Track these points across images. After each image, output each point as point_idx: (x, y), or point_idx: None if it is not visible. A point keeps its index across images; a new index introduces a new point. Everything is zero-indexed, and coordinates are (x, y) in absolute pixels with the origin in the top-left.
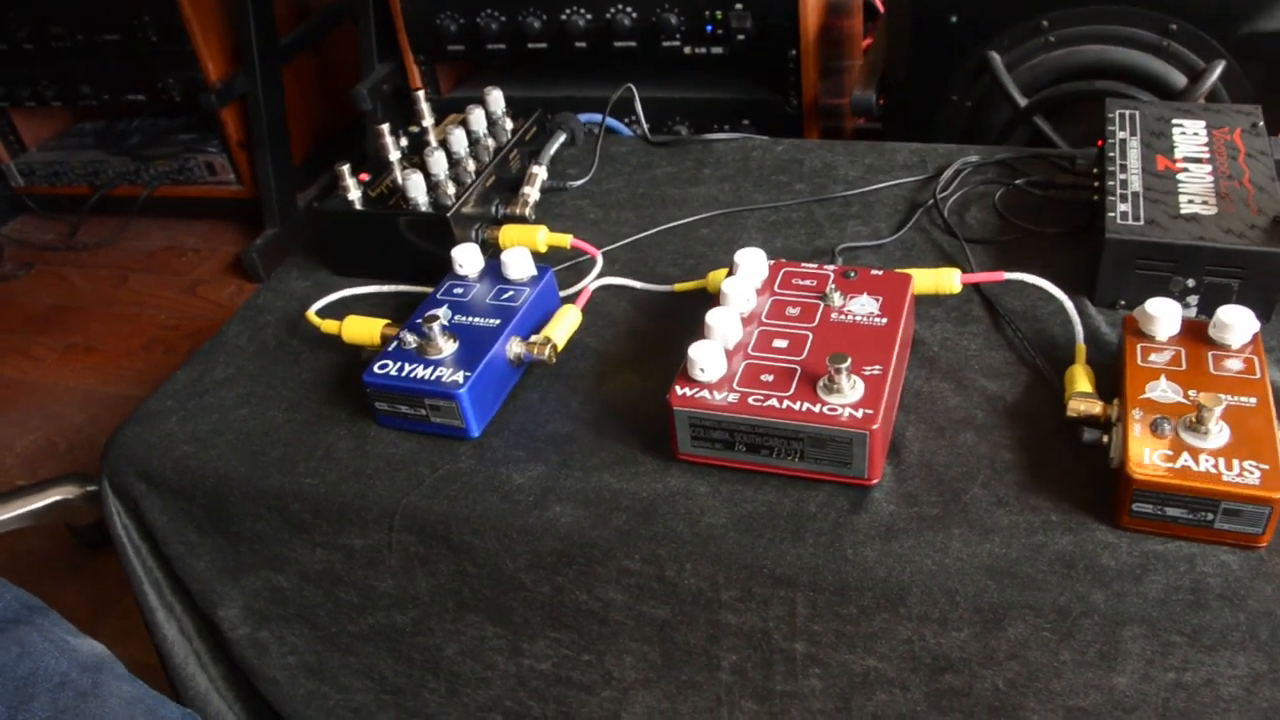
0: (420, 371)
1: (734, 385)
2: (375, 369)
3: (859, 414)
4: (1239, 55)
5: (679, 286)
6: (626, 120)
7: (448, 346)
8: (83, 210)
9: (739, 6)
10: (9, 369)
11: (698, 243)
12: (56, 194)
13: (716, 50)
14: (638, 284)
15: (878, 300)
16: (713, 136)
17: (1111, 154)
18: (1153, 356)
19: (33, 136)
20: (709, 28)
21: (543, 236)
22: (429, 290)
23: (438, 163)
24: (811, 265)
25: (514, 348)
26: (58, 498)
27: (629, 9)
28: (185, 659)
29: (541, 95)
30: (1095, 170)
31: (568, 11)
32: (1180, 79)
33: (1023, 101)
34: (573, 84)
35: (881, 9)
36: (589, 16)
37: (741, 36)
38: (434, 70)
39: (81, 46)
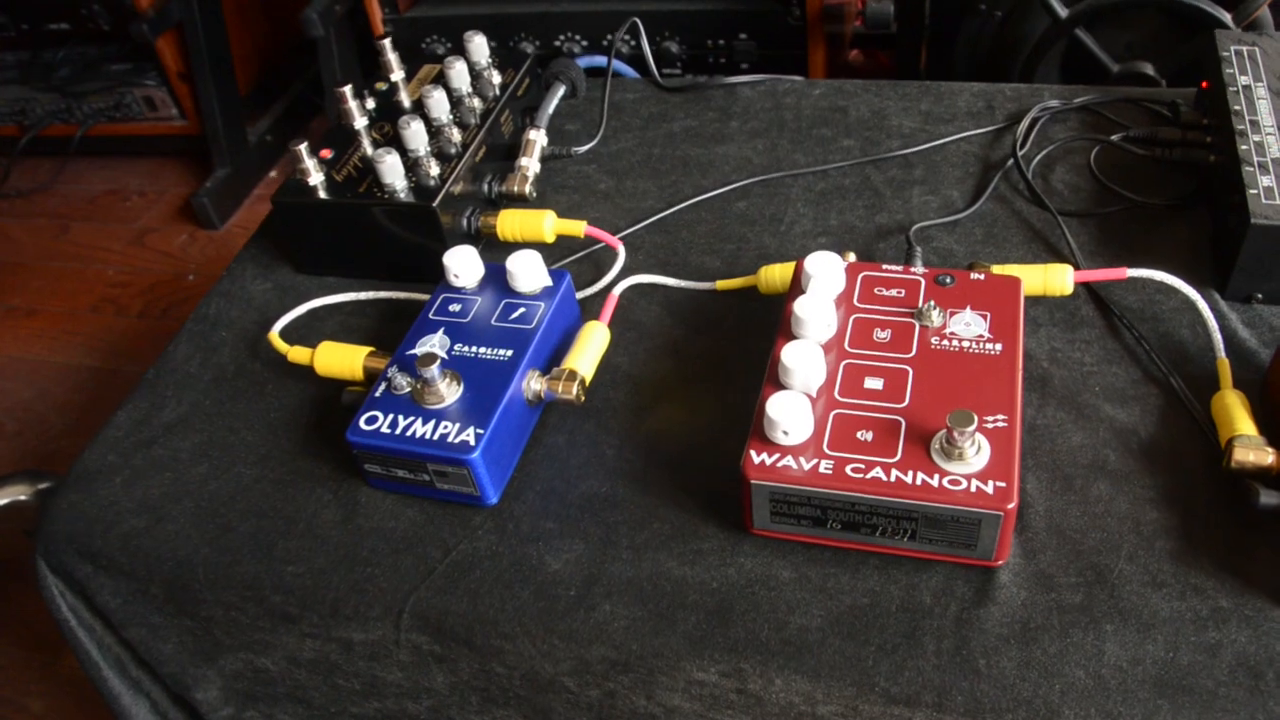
0: (419, 428)
1: (825, 448)
2: (361, 424)
3: (988, 488)
4: None
5: (722, 284)
6: (608, 38)
7: (450, 392)
8: (12, 153)
9: None
10: None
11: (735, 220)
12: None
13: None
14: (671, 281)
15: (984, 317)
16: (736, 80)
17: (1237, 107)
18: None
19: None
20: None
21: (550, 224)
22: (416, 297)
23: (416, 136)
24: (896, 268)
25: (533, 385)
26: (7, 500)
27: None
28: None
29: (517, 11)
30: (1206, 122)
31: None
32: None
33: (1063, 11)
34: None
35: None
36: None
37: None
38: None
39: None
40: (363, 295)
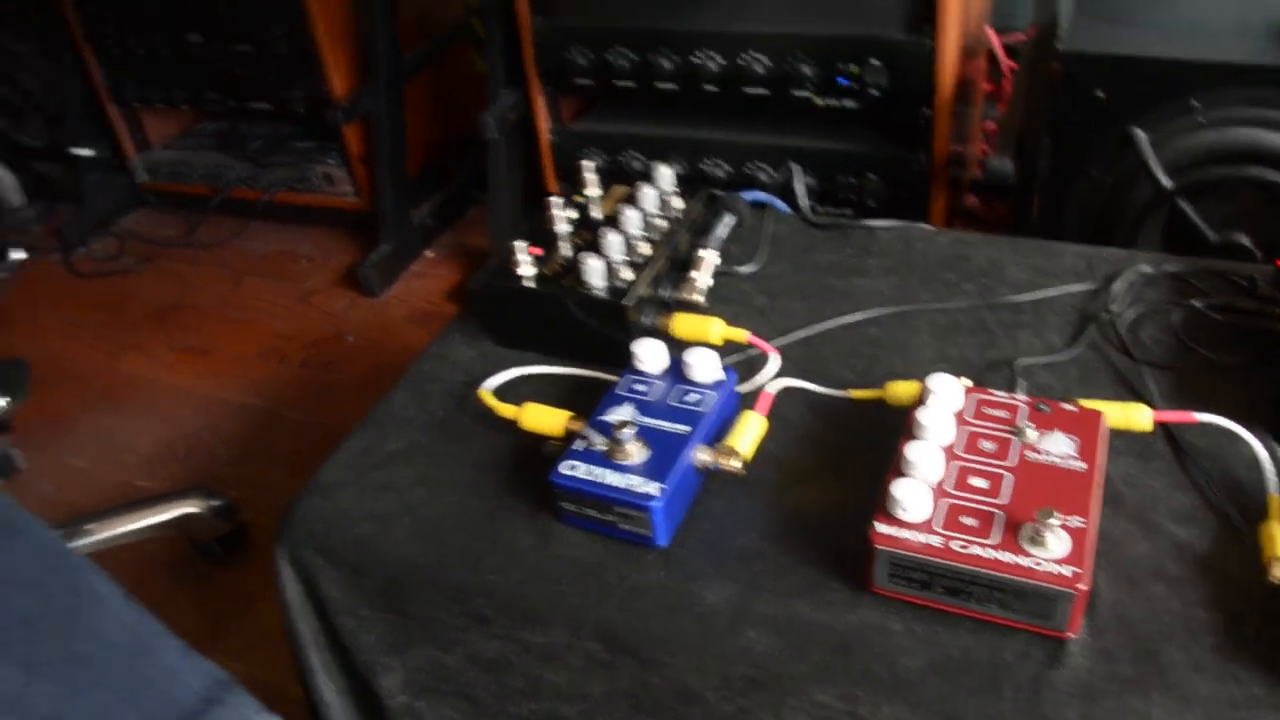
0: (611, 478)
1: (937, 527)
2: (563, 469)
3: (1066, 571)
4: None
5: (856, 394)
6: (749, 165)
7: (638, 454)
8: (205, 209)
9: (875, 62)
10: (129, 365)
11: (868, 343)
12: (178, 192)
13: (849, 104)
14: (816, 388)
15: (1073, 441)
16: (874, 223)
17: None
18: None
19: (157, 134)
20: (842, 80)
21: (718, 330)
22: (601, 376)
23: (614, 245)
24: (1003, 394)
25: (701, 456)
26: (185, 511)
27: (762, 56)
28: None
29: (669, 134)
30: (1277, 295)
31: (699, 55)
32: None
33: (1168, 183)
34: (701, 125)
35: (1007, 67)
36: (721, 61)
37: (875, 92)
38: (557, 101)
39: (215, 54)
40: (555, 369)
